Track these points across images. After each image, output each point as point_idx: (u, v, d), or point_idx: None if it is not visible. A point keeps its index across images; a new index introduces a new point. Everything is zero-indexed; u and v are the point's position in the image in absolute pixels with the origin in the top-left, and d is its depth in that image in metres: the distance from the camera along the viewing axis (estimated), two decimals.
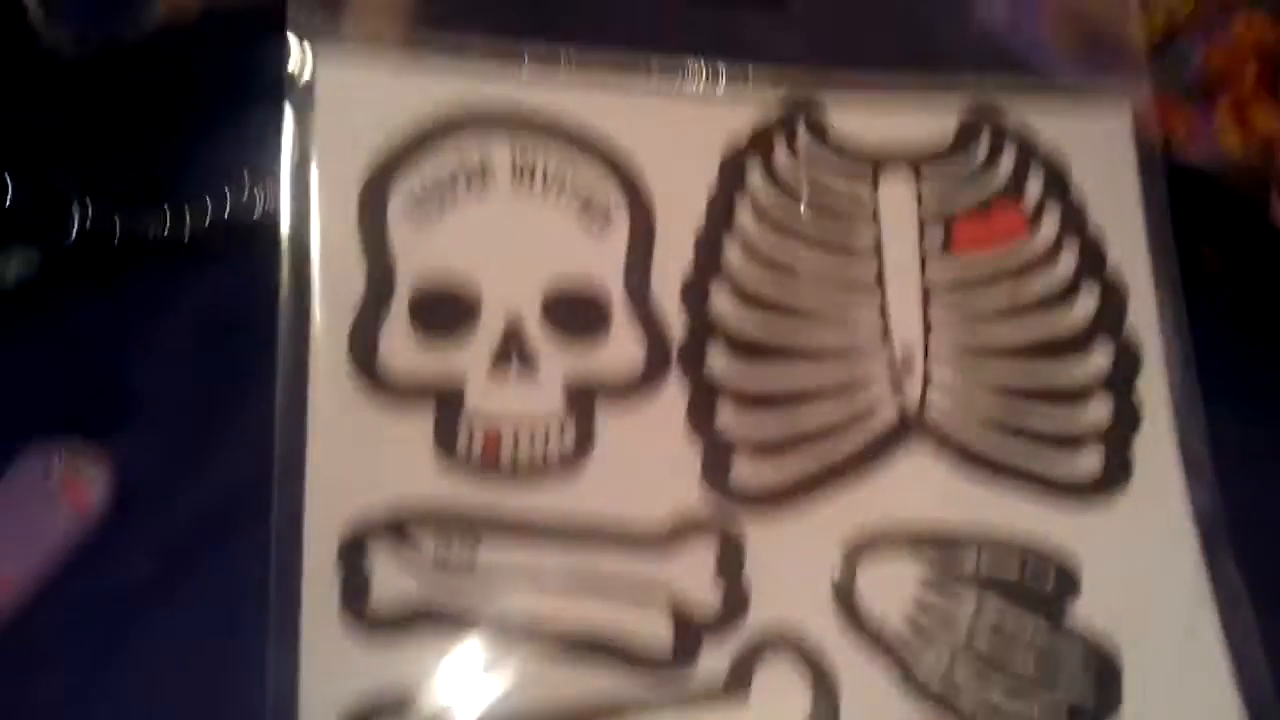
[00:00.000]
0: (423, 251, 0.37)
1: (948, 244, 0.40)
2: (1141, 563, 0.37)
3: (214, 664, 0.33)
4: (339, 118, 0.38)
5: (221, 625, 0.34)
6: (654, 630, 0.35)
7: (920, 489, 0.37)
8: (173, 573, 0.35)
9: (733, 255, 0.39)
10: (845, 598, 0.36)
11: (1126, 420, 0.39)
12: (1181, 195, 0.41)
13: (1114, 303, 0.40)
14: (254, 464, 0.33)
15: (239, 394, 0.37)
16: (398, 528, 0.34)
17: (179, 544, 0.36)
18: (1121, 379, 0.39)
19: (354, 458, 0.35)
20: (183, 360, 0.40)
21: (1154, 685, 0.36)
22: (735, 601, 0.35)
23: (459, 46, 0.39)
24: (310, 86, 0.37)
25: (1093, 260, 0.41)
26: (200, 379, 0.39)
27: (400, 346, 0.36)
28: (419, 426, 0.35)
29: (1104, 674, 0.36)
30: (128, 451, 0.37)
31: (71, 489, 0.36)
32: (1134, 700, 0.36)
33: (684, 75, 0.40)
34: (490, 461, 0.35)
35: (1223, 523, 0.38)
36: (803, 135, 0.41)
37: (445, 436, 0.35)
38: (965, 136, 0.42)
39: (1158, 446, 0.39)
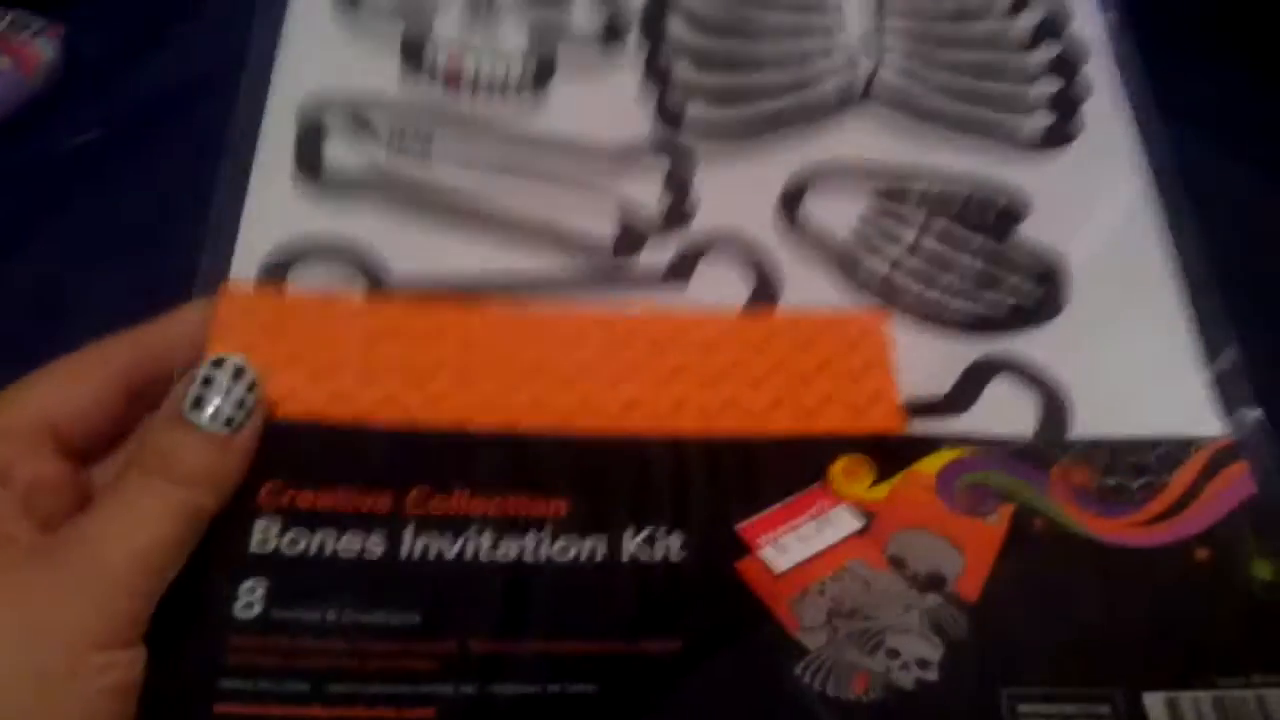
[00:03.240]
0: None
1: None
2: (1089, 199, 0.37)
3: (160, 214, 0.36)
4: None
5: (172, 180, 0.37)
6: (599, 226, 0.36)
7: (871, 140, 0.38)
8: (125, 138, 0.39)
9: None
10: (790, 211, 0.36)
11: (1076, 91, 0.40)
12: None
13: (1059, 17, 0.42)
14: (216, 54, 0.37)
15: None
16: (356, 112, 0.37)
17: (132, 116, 0.39)
18: (1069, 65, 0.40)
19: (322, 58, 0.38)
20: None
21: (1099, 292, 0.35)
22: (680, 210, 0.36)
23: None
24: None
25: None
26: None
27: None
28: (387, 44, 0.38)
29: (1048, 278, 0.35)
30: (83, 28, 0.41)
31: (18, 48, 0.40)
32: (1079, 305, 0.35)
33: None
34: (453, 78, 0.38)
35: (1175, 177, 0.37)
36: None
37: (410, 52, 0.38)
38: None
39: (1109, 110, 0.39)
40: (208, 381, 0.28)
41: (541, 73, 0.39)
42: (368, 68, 0.38)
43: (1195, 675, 0.28)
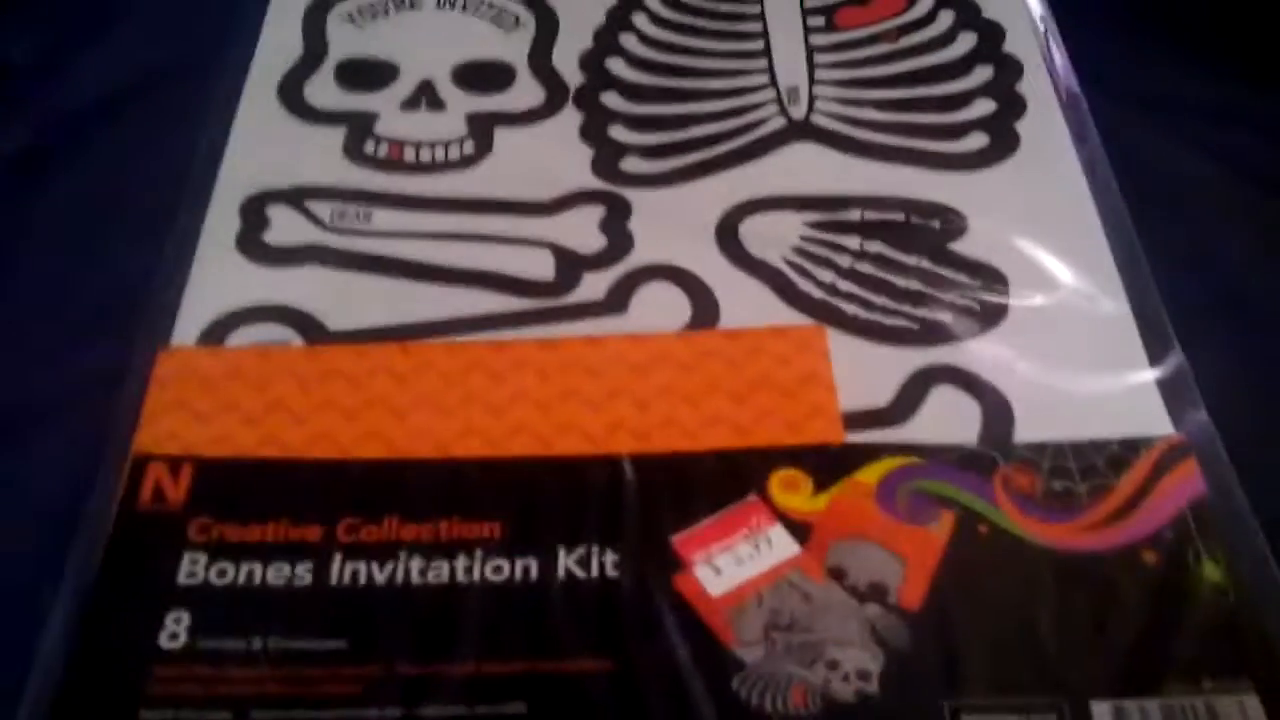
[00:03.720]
0: (353, 41, 0.43)
1: (829, 24, 0.44)
2: (1027, 210, 0.37)
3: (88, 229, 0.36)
4: None
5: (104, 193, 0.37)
6: (537, 269, 0.36)
7: (805, 171, 0.39)
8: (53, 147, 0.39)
9: (627, 41, 0.44)
10: (726, 240, 0.36)
11: (1011, 111, 0.40)
12: None
13: (991, 38, 0.43)
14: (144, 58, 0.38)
15: None
16: (298, 198, 0.37)
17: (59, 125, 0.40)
18: (1002, 85, 0.41)
19: (267, 153, 0.39)
20: None
21: (1040, 300, 0.35)
22: (617, 247, 0.36)
23: None
24: None
25: (969, 15, 0.43)
26: None
27: (322, 93, 0.41)
28: (331, 139, 0.39)
29: (988, 289, 0.35)
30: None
31: None
32: (1020, 313, 0.34)
33: None
34: (394, 163, 0.39)
35: (1107, 172, 0.38)
36: None
37: (353, 146, 0.39)
38: None
39: (1045, 124, 0.40)
40: None
41: (480, 150, 0.40)
42: (311, 160, 0.39)
43: (1143, 682, 0.27)
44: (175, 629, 0.27)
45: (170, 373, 0.32)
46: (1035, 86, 0.41)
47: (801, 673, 0.27)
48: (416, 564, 0.29)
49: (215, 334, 0.34)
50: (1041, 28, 0.43)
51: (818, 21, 0.44)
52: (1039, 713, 0.27)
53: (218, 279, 0.35)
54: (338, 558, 0.29)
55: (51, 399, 0.34)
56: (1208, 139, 0.41)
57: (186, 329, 0.34)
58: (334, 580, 0.28)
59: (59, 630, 0.28)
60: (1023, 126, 0.40)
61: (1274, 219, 0.39)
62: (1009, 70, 0.42)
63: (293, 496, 0.30)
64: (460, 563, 0.29)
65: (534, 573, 0.28)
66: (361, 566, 0.28)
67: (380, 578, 0.28)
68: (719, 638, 0.28)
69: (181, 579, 0.28)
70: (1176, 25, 0.45)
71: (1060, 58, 0.42)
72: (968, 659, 0.27)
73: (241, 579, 0.28)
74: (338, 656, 0.27)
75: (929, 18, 0.44)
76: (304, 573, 0.28)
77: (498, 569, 0.28)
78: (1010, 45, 0.42)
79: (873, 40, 0.43)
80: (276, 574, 0.28)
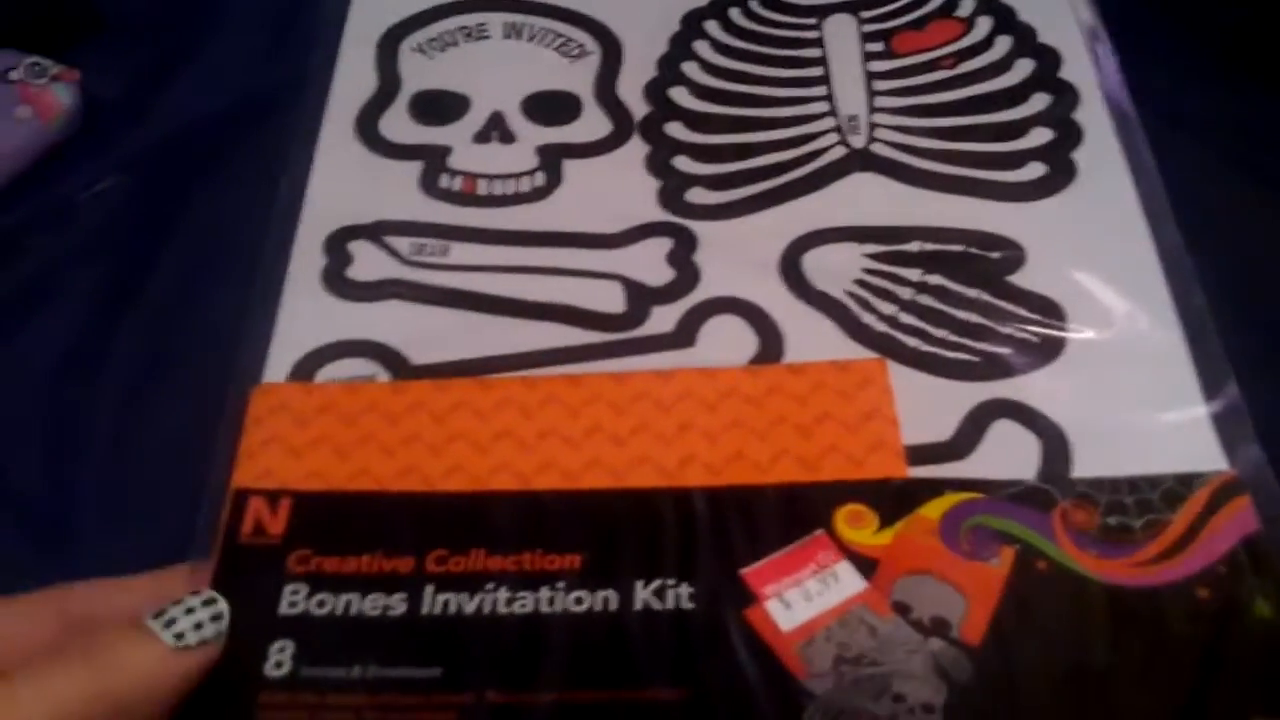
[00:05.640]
0: (425, 73, 0.45)
1: (888, 50, 0.45)
2: (1084, 242, 0.38)
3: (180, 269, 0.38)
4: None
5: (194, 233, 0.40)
6: (607, 303, 0.37)
7: (866, 202, 0.40)
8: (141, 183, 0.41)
9: (690, 70, 0.45)
10: (790, 273, 0.38)
11: (1068, 139, 0.41)
12: None
13: (1048, 64, 0.43)
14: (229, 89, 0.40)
15: None
16: (377, 233, 0.39)
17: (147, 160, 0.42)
18: (1059, 113, 0.42)
19: (348, 188, 0.41)
20: None
21: (1097, 334, 0.35)
22: (684, 281, 0.38)
23: None
24: None
25: (1026, 40, 0.44)
26: None
27: (397, 126, 0.43)
28: (407, 174, 0.41)
29: (1047, 323, 0.36)
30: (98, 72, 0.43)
31: (37, 95, 0.42)
32: (1078, 347, 0.35)
33: None
34: (467, 197, 0.41)
35: (1163, 202, 0.38)
36: (755, 3, 0.47)
37: (429, 180, 0.41)
38: None
39: (1101, 152, 0.40)
40: (178, 602, 0.29)
41: (550, 182, 0.41)
42: (390, 195, 0.41)
43: (1196, 716, 0.28)
44: (280, 658, 0.29)
45: (264, 409, 0.34)
46: (1091, 114, 0.42)
47: (869, 705, 0.29)
48: (503, 595, 0.30)
49: (305, 369, 0.36)
50: (1097, 53, 0.44)
51: (876, 47, 0.45)
52: None
53: (306, 315, 0.37)
54: (429, 589, 0.30)
55: (153, 433, 0.36)
56: (1267, 170, 0.42)
57: (278, 365, 0.36)
58: (426, 610, 0.30)
59: None
60: (1079, 155, 0.40)
61: None
62: (1066, 97, 0.42)
63: (385, 529, 0.32)
64: (544, 594, 0.30)
65: (613, 604, 0.30)
66: (452, 597, 0.30)
67: (469, 608, 0.30)
68: (789, 669, 0.29)
69: (283, 609, 0.30)
70: (1234, 54, 0.46)
71: (1116, 84, 0.42)
72: (1027, 692, 0.29)
73: (340, 609, 0.30)
74: (432, 684, 0.29)
75: (986, 43, 0.45)
76: (398, 603, 0.30)
77: (579, 600, 0.30)
78: (1066, 71, 0.43)
79: (930, 66, 0.44)
80: (373, 604, 0.30)
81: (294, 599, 0.30)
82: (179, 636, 0.28)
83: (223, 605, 0.29)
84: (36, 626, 0.29)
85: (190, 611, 0.28)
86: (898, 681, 0.29)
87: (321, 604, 0.30)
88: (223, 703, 0.29)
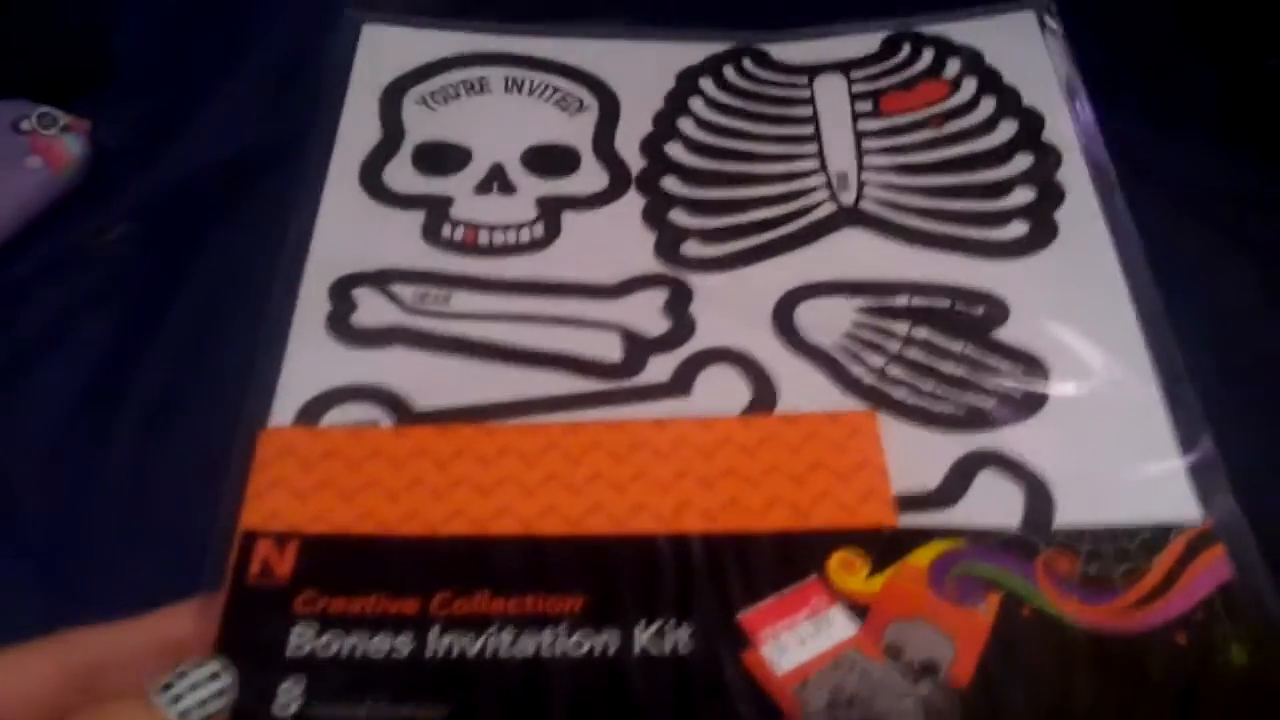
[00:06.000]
0: (427, 124, 0.46)
1: (876, 109, 0.47)
2: (1066, 298, 0.39)
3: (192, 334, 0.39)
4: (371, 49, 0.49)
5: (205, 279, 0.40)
6: (605, 352, 0.39)
7: (855, 257, 0.41)
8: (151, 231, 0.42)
9: (685, 126, 0.47)
10: (783, 324, 0.39)
11: (1050, 200, 0.43)
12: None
13: (1031, 126, 0.45)
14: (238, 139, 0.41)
15: None
16: (381, 281, 0.40)
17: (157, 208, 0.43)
18: (1042, 174, 0.43)
19: (352, 237, 0.42)
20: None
21: (1078, 386, 0.37)
22: (680, 331, 0.39)
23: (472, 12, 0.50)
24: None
25: (1011, 102, 0.46)
26: None
27: (400, 176, 0.44)
28: (411, 223, 0.42)
29: (1030, 376, 0.37)
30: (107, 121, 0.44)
31: (48, 145, 0.43)
32: (1060, 399, 0.37)
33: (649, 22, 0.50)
34: (469, 247, 0.42)
35: (1145, 266, 0.40)
36: (748, 62, 0.49)
37: (431, 231, 0.42)
38: (889, 46, 0.49)
39: (1082, 213, 0.42)
40: (183, 674, 0.29)
41: (549, 233, 0.42)
42: (394, 244, 0.42)
43: None
44: (287, 699, 0.30)
45: (271, 453, 0.35)
46: (1072, 175, 0.43)
47: None
48: (507, 637, 0.31)
49: (310, 414, 0.37)
50: (1078, 112, 0.46)
51: (865, 106, 0.47)
52: None
53: (311, 361, 0.38)
54: (434, 631, 0.31)
55: (162, 476, 0.37)
56: (1241, 227, 0.44)
57: (284, 409, 0.37)
58: (431, 652, 0.31)
59: None
60: (1061, 215, 0.42)
61: None
62: (1048, 158, 0.44)
63: (390, 571, 0.32)
64: (546, 637, 0.31)
65: (613, 648, 0.31)
66: (457, 639, 0.31)
67: (472, 650, 0.31)
68: (785, 711, 0.30)
69: (291, 649, 0.31)
70: (1210, 114, 0.48)
71: (1097, 145, 0.44)
72: None
73: (346, 650, 0.31)
74: None
75: (971, 104, 0.47)
76: (404, 644, 0.31)
77: (579, 644, 0.31)
78: (1049, 134, 0.45)
79: (917, 126, 0.46)
80: (379, 645, 0.31)
81: (301, 639, 0.31)
82: (184, 715, 0.28)
83: (228, 679, 0.29)
84: (35, 684, 0.29)
85: (195, 688, 0.29)
86: None
87: (328, 644, 0.31)
88: None
